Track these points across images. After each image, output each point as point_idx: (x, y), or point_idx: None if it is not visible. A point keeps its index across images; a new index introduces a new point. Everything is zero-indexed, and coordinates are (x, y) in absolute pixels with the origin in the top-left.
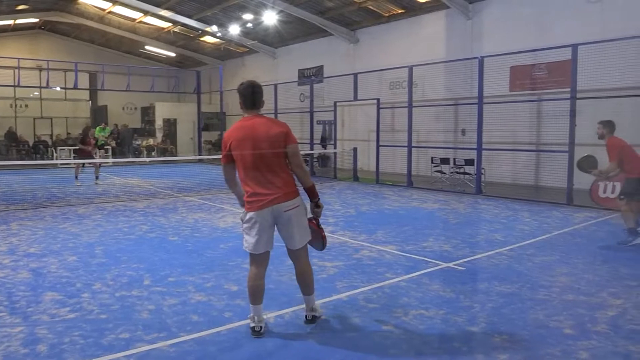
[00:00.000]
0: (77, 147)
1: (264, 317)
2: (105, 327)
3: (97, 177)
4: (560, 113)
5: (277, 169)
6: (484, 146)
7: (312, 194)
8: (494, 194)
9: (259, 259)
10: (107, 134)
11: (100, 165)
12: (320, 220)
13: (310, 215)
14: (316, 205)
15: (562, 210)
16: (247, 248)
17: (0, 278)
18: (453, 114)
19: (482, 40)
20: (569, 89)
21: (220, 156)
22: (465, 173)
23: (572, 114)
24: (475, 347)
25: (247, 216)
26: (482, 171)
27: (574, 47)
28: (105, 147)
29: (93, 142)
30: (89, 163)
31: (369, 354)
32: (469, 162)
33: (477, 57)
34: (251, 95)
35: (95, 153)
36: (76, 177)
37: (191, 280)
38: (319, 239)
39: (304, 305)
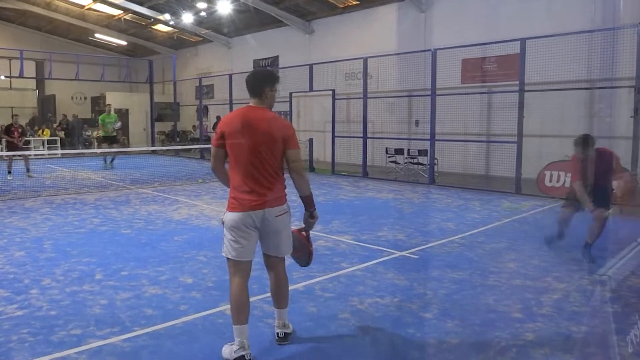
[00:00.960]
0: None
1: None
2: (56, 323)
3: (28, 169)
4: (509, 105)
5: (272, 171)
6: (436, 137)
7: (309, 203)
8: (446, 183)
9: (244, 268)
10: (114, 121)
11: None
12: None
13: (295, 225)
14: (310, 215)
15: (511, 198)
16: (228, 254)
17: None
18: (407, 106)
19: (435, 33)
20: (517, 82)
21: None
22: (418, 163)
23: (521, 106)
24: (428, 332)
25: (231, 217)
26: (435, 161)
27: (522, 41)
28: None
29: (19, 131)
30: (18, 155)
31: (326, 342)
32: (423, 152)
33: (429, 50)
34: (249, 83)
35: (22, 142)
36: (9, 172)
37: (145, 274)
38: (305, 254)
39: (259, 296)
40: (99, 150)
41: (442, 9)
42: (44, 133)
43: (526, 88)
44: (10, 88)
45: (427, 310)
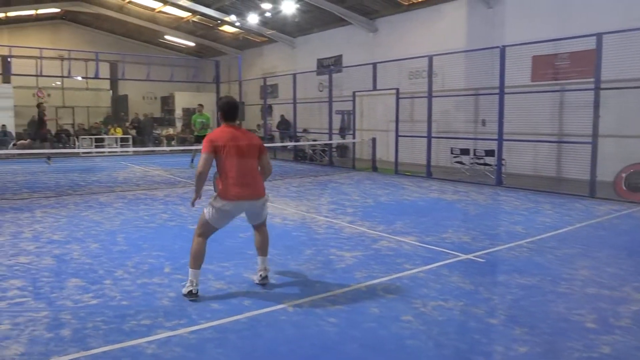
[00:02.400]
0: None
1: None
2: (127, 313)
3: (48, 158)
4: (584, 104)
5: (255, 171)
6: (504, 137)
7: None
8: (514, 185)
9: (213, 232)
10: (206, 120)
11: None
12: (339, 211)
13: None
14: None
15: (585, 202)
16: (212, 221)
17: (25, 264)
18: (473, 104)
19: (504, 29)
20: (592, 79)
21: (203, 149)
22: (485, 164)
23: (596, 104)
24: (495, 339)
25: (225, 202)
26: (503, 162)
27: (599, 36)
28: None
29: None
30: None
31: (387, 344)
32: (489, 152)
33: (498, 47)
34: (231, 110)
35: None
36: (49, 157)
37: (211, 269)
38: None
39: (322, 295)
40: (167, 148)
41: (511, 4)
42: (117, 131)
43: (602, 86)
44: (87, 88)
45: (494, 316)
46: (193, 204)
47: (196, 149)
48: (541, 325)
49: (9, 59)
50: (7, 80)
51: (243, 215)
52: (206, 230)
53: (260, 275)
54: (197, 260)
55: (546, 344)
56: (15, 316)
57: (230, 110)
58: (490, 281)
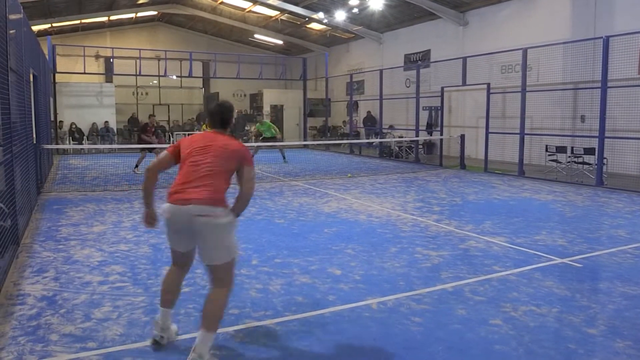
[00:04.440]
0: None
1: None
2: None
3: (136, 166)
4: None
5: (215, 178)
6: (606, 134)
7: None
8: (617, 186)
9: (175, 256)
10: (267, 129)
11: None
12: (425, 209)
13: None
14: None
15: None
16: (167, 241)
17: (125, 251)
18: (571, 99)
19: (607, 18)
20: None
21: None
22: (584, 163)
23: None
24: (593, 350)
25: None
26: (604, 161)
27: None
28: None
29: (153, 130)
30: (149, 150)
31: (474, 347)
32: (589, 151)
33: (601, 37)
34: (212, 116)
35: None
36: (137, 166)
37: (296, 263)
38: None
39: (406, 293)
40: (255, 144)
41: None
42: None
43: None
44: (181, 87)
45: (592, 326)
46: (145, 222)
47: (258, 146)
48: None
49: (111, 60)
50: (109, 80)
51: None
52: (171, 253)
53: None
54: (161, 295)
55: None
56: (115, 299)
57: (212, 116)
58: (589, 288)
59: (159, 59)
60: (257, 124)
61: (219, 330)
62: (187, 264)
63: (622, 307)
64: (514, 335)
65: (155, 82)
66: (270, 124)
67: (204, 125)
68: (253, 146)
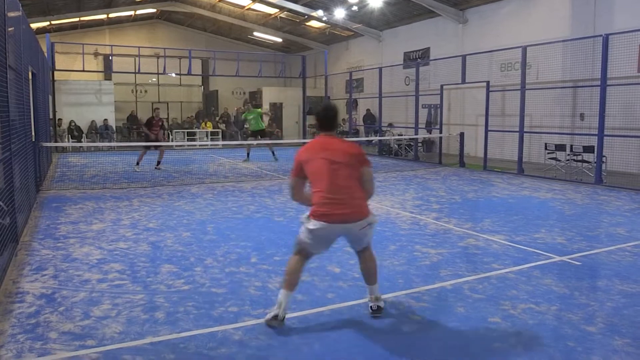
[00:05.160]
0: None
1: None
2: (216, 299)
3: (158, 162)
4: None
5: (353, 186)
6: (605, 132)
7: None
8: (616, 184)
9: (311, 254)
10: (257, 115)
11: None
12: (424, 207)
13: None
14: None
15: None
16: (305, 244)
17: (124, 249)
18: (571, 97)
19: (607, 16)
20: None
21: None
22: (583, 161)
23: None
24: (592, 348)
25: (315, 222)
26: (603, 159)
27: None
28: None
29: (160, 124)
30: (155, 147)
31: (473, 344)
32: (588, 149)
33: (600, 35)
34: (326, 119)
35: (160, 135)
36: (137, 163)
37: None
38: None
39: (405, 291)
40: (254, 142)
41: None
42: (207, 125)
43: None
44: (180, 84)
45: (591, 324)
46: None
47: (249, 144)
48: None
49: (110, 58)
50: (108, 78)
51: None
52: (302, 249)
53: (371, 308)
54: (288, 278)
55: None
56: (114, 297)
57: (325, 119)
58: (588, 286)
59: (158, 57)
60: (245, 113)
61: (218, 328)
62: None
63: (620, 305)
64: (513, 333)
65: (154, 79)
66: (259, 111)
67: (204, 124)
68: (252, 144)
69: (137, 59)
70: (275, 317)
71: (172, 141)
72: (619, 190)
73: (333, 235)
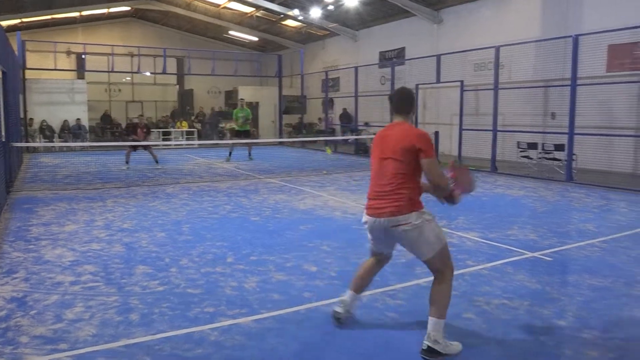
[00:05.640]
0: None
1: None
2: (192, 300)
3: (157, 161)
4: None
5: (395, 180)
6: (576, 130)
7: None
8: (586, 181)
9: (375, 251)
10: (247, 115)
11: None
12: None
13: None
14: None
15: None
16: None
17: (97, 251)
18: (542, 97)
19: (578, 17)
20: None
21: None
22: (554, 159)
23: None
24: (562, 341)
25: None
26: (574, 157)
27: None
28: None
29: (144, 130)
30: (142, 147)
31: (448, 340)
32: (559, 147)
33: (570, 36)
34: (398, 102)
35: (145, 139)
36: (127, 162)
37: (272, 260)
38: None
39: (382, 289)
40: (230, 142)
41: None
42: (182, 125)
43: None
44: (155, 83)
45: (562, 318)
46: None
47: (234, 143)
48: (614, 330)
49: (83, 56)
50: (81, 76)
51: None
52: (369, 248)
53: (424, 346)
54: (353, 278)
55: (619, 350)
56: (88, 299)
57: (396, 102)
58: (559, 281)
59: (132, 56)
60: (236, 109)
61: (193, 329)
62: (384, 259)
63: (589, 299)
64: (486, 328)
65: (128, 78)
66: (250, 112)
67: (179, 123)
68: (229, 143)
69: (110, 57)
70: (338, 312)
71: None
72: (589, 187)
73: (376, 231)
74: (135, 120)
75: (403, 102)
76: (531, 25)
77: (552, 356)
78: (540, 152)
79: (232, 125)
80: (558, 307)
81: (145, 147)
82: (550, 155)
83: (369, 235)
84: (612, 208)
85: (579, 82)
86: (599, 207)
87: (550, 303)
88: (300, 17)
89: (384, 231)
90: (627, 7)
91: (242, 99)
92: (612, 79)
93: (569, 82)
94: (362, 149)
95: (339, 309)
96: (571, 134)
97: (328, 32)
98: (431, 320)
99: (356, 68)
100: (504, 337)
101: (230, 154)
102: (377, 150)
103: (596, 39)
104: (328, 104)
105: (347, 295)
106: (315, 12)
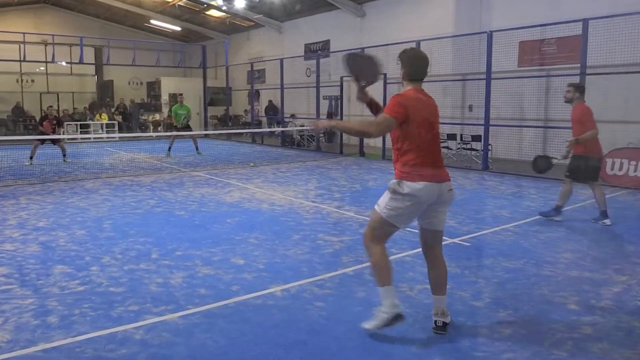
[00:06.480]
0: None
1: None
2: (115, 299)
3: (65, 155)
4: None
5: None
6: (491, 122)
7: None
8: (500, 170)
9: (391, 234)
10: (187, 113)
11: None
12: (327, 196)
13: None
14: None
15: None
16: (391, 218)
17: (11, 251)
18: (460, 90)
19: (491, 14)
20: (578, 65)
21: (387, 111)
22: (472, 149)
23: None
24: (479, 321)
25: (417, 184)
26: (489, 147)
27: (585, 21)
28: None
29: (54, 122)
30: (51, 141)
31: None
32: (476, 138)
33: (485, 32)
34: (420, 67)
35: (56, 132)
36: (31, 157)
37: (198, 254)
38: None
39: (309, 279)
40: (154, 134)
41: None
42: (102, 117)
43: (588, 71)
44: (71, 74)
45: (479, 299)
46: (317, 130)
47: (175, 135)
48: (525, 308)
49: None
50: None
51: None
52: (382, 232)
53: (435, 323)
54: (384, 273)
55: (530, 325)
56: (1, 304)
57: (419, 67)
58: (476, 265)
59: (46, 44)
60: (175, 106)
61: (117, 329)
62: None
63: (503, 280)
64: (411, 313)
65: (42, 68)
66: (189, 108)
67: (98, 115)
68: (152, 136)
69: (22, 45)
70: (399, 315)
71: (63, 134)
72: (503, 175)
73: (430, 197)
74: (45, 113)
75: (425, 67)
76: (448, 20)
77: (470, 336)
78: (459, 143)
79: (157, 117)
80: (475, 290)
81: (55, 141)
82: (468, 146)
83: (410, 208)
84: (524, 194)
85: (493, 76)
86: (512, 194)
87: (468, 286)
88: (224, 8)
89: (437, 197)
90: (535, 6)
91: (181, 95)
92: (523, 73)
93: (484, 76)
94: (288, 141)
95: (398, 311)
96: (487, 126)
97: (253, 24)
98: (441, 298)
99: (282, 60)
100: (425, 320)
101: (169, 148)
102: (424, 113)
103: (509, 36)
104: (254, 95)
105: (388, 291)
106: (240, 3)
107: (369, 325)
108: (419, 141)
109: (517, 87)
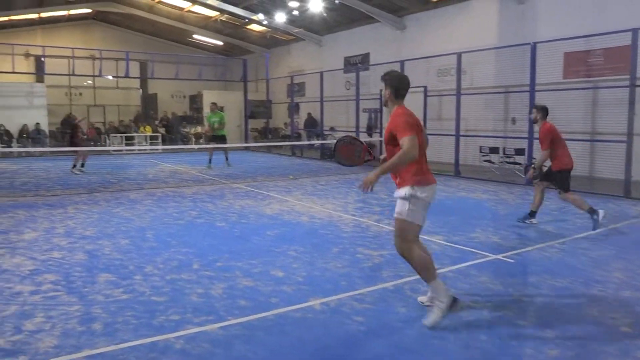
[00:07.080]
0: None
1: None
2: (156, 308)
3: (74, 166)
4: (618, 101)
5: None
6: (535, 135)
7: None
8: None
9: (418, 232)
10: (220, 119)
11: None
12: (366, 209)
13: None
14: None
15: (619, 202)
16: (416, 220)
17: (58, 259)
18: (503, 102)
19: (535, 25)
20: (627, 76)
21: (407, 133)
22: (515, 163)
23: (631, 102)
24: (525, 340)
25: (428, 187)
26: (533, 161)
27: (635, 31)
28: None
29: (82, 135)
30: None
31: (414, 343)
32: (519, 151)
33: (529, 44)
34: (405, 87)
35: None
36: (74, 166)
37: (238, 266)
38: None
39: (349, 293)
40: (196, 146)
41: (543, 0)
42: (146, 129)
43: (638, 83)
44: (117, 87)
45: (524, 318)
46: (368, 188)
47: (213, 148)
48: (573, 329)
49: (42, 59)
50: (40, 80)
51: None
52: (412, 234)
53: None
54: (430, 269)
55: (578, 348)
56: (48, 310)
57: (404, 85)
58: (521, 282)
59: (93, 59)
60: (209, 114)
61: (159, 338)
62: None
63: (550, 299)
64: (452, 330)
65: (89, 82)
66: (224, 115)
67: (142, 128)
68: (193, 148)
69: (71, 60)
70: (455, 299)
71: (109, 145)
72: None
73: (434, 195)
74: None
75: (408, 88)
76: (490, 32)
77: (514, 356)
78: (501, 157)
79: (199, 130)
80: (520, 308)
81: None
82: (511, 159)
83: (425, 207)
84: (570, 210)
85: (537, 88)
86: (558, 210)
87: (513, 304)
88: (265, 22)
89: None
90: (580, 16)
91: (214, 103)
92: (568, 85)
93: (527, 89)
94: (327, 154)
95: (452, 295)
96: (531, 139)
97: (293, 37)
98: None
99: (321, 73)
100: (467, 338)
101: (210, 160)
102: (419, 125)
103: (553, 47)
104: (294, 108)
105: (438, 284)
106: (280, 17)
107: (429, 321)
108: (421, 151)
109: (563, 100)
